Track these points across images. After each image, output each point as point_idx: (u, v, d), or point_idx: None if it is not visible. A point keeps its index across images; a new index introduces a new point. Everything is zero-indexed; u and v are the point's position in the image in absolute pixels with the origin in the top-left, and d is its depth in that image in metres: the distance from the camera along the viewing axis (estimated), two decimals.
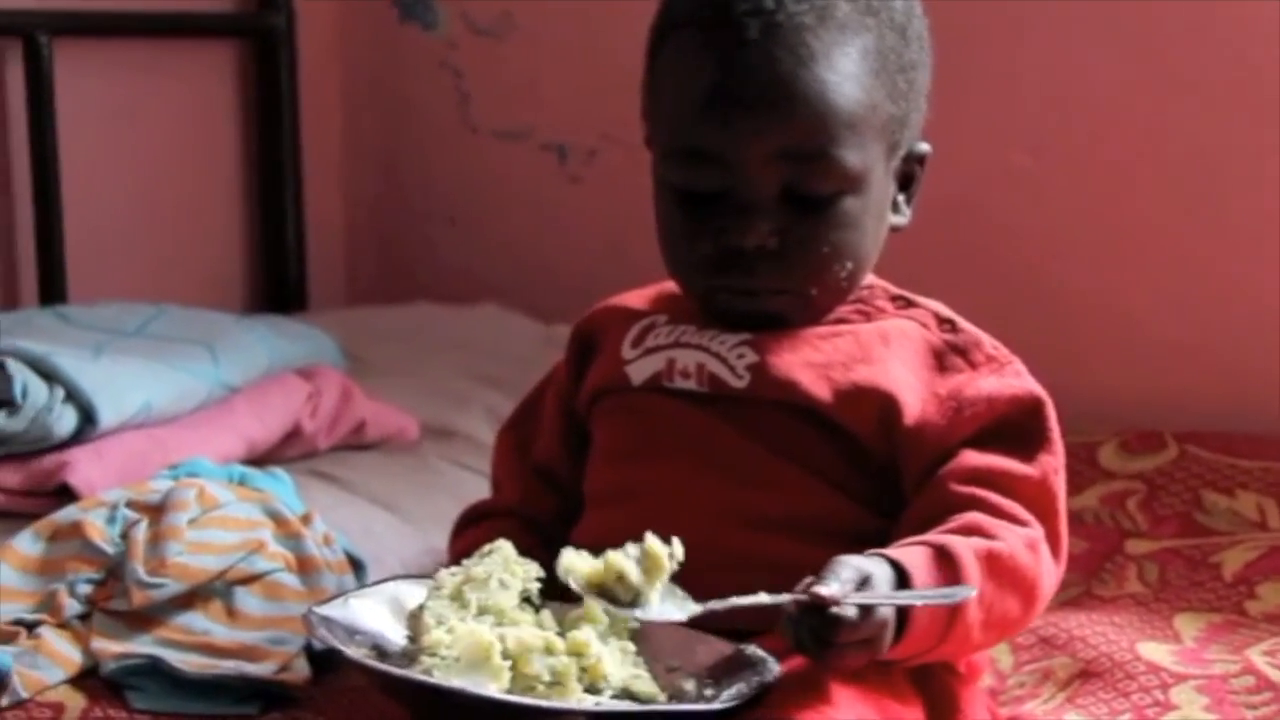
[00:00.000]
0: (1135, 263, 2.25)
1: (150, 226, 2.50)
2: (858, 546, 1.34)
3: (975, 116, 2.18)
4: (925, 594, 1.21)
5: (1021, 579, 1.31)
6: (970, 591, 1.23)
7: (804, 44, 1.34)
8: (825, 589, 1.18)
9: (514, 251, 2.68)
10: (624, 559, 1.27)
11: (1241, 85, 2.16)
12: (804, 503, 1.38)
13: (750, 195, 1.35)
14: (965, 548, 1.27)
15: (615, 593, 1.28)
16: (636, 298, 1.54)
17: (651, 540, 1.28)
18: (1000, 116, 2.27)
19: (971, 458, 1.34)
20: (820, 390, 1.37)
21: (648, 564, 1.28)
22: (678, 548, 1.28)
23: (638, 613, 1.27)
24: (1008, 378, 1.39)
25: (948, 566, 1.26)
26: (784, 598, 1.21)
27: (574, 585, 1.26)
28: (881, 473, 1.38)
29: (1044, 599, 1.34)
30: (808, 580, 1.20)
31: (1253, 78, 2.15)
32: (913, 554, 1.24)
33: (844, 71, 1.34)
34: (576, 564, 1.27)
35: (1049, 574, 1.33)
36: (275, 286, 2.64)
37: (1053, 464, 1.36)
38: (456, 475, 2.01)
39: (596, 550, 1.40)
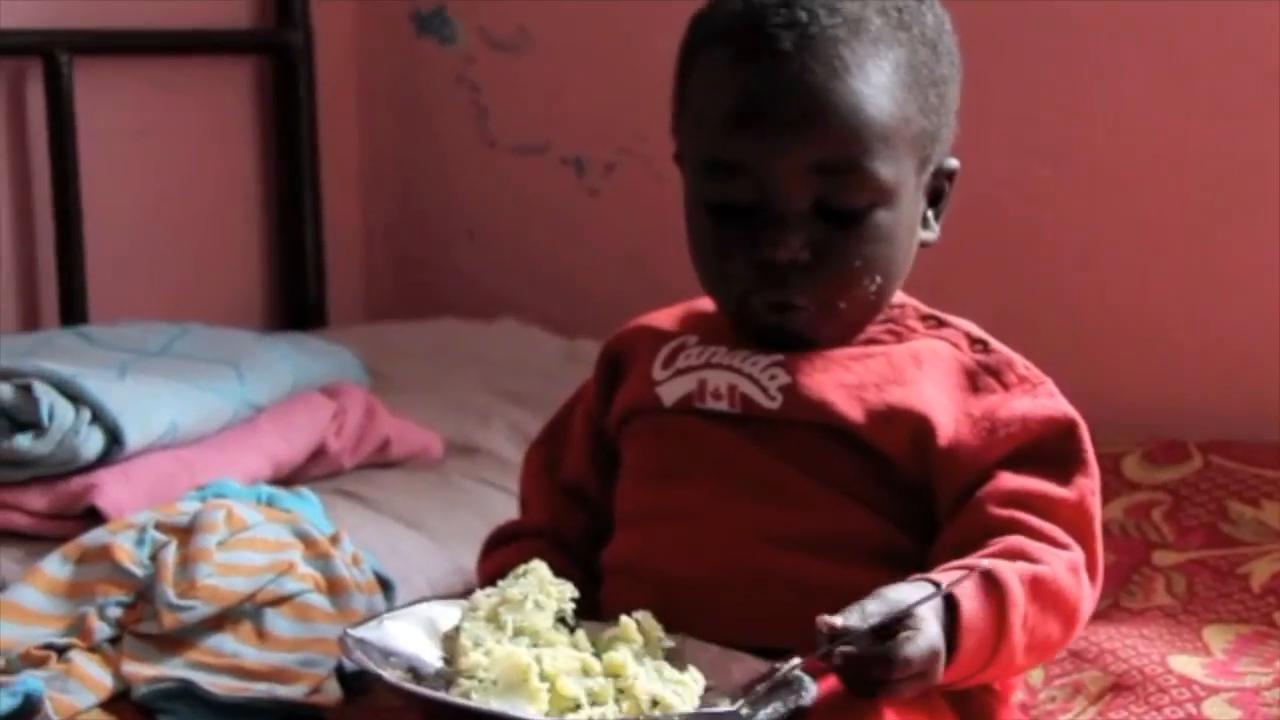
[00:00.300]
0: (1158, 273, 2.24)
1: (170, 244, 2.50)
2: (889, 566, 1.34)
3: (997, 128, 2.18)
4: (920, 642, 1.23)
5: (1064, 602, 1.31)
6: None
7: (838, 56, 1.34)
8: (839, 620, 1.20)
9: (533, 266, 2.67)
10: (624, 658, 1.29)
11: (1267, 94, 2.15)
12: (836, 523, 1.37)
13: (783, 208, 1.35)
14: (1011, 572, 1.27)
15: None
16: (665, 317, 1.54)
17: (626, 621, 1.31)
18: (1022, 128, 2.26)
19: (1009, 480, 1.34)
20: (853, 411, 1.37)
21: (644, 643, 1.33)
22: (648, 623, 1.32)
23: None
24: (1041, 399, 1.39)
25: (995, 592, 1.26)
26: (793, 663, 1.23)
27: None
28: (914, 493, 1.38)
29: (1083, 621, 1.35)
30: (823, 622, 1.21)
31: (1278, 84, 2.15)
32: (962, 585, 1.25)
33: (877, 84, 1.34)
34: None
35: (1088, 597, 1.34)
36: (295, 303, 2.64)
37: (1089, 486, 1.36)
38: (481, 493, 2.01)
39: (627, 571, 1.42)
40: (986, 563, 1.27)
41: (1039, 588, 1.29)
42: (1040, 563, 1.30)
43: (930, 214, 1.45)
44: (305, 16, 2.59)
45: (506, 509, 1.75)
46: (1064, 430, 1.37)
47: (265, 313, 2.62)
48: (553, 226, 2.65)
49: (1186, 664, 1.66)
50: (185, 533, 1.61)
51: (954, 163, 1.45)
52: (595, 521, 1.51)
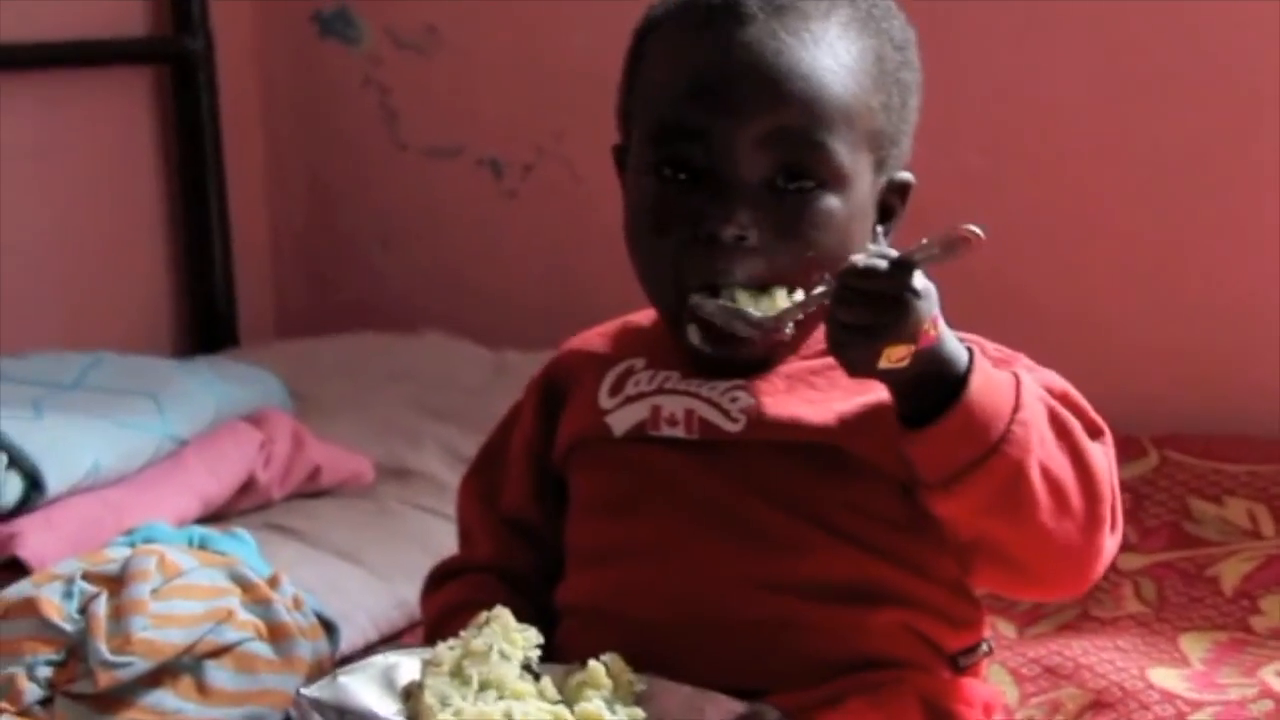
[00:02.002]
0: (1100, 265, 2.24)
1: (71, 266, 2.46)
2: (870, 603, 1.31)
3: (923, 111, 2.13)
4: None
5: (1080, 454, 1.27)
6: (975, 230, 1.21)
7: (807, 30, 1.32)
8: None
9: (452, 274, 2.65)
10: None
11: (1211, 81, 2.16)
12: (808, 559, 1.33)
13: (734, 179, 1.31)
14: (1031, 381, 1.25)
15: None
16: (600, 339, 1.48)
17: (594, 666, 1.28)
18: (950, 112, 2.17)
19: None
20: (826, 419, 1.33)
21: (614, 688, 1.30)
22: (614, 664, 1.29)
23: None
24: (1021, 371, 1.34)
25: (1007, 381, 1.24)
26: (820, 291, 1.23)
27: None
28: (896, 519, 1.33)
29: (1101, 508, 1.28)
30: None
31: (1223, 73, 2.15)
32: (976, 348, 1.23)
33: (844, 64, 1.32)
34: None
35: (1107, 476, 1.29)
36: (204, 322, 2.61)
37: (1105, 440, 1.32)
38: (418, 519, 1.98)
39: (589, 613, 1.37)
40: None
41: (1056, 421, 1.26)
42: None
43: (880, 230, 1.41)
44: (204, 22, 2.56)
45: (446, 536, 1.69)
46: (1058, 396, 1.33)
47: (173, 332, 2.59)
48: (470, 232, 2.64)
49: (1166, 677, 1.63)
50: (116, 582, 1.56)
51: (908, 176, 1.42)
52: (544, 555, 1.47)
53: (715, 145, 1.31)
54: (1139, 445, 2.04)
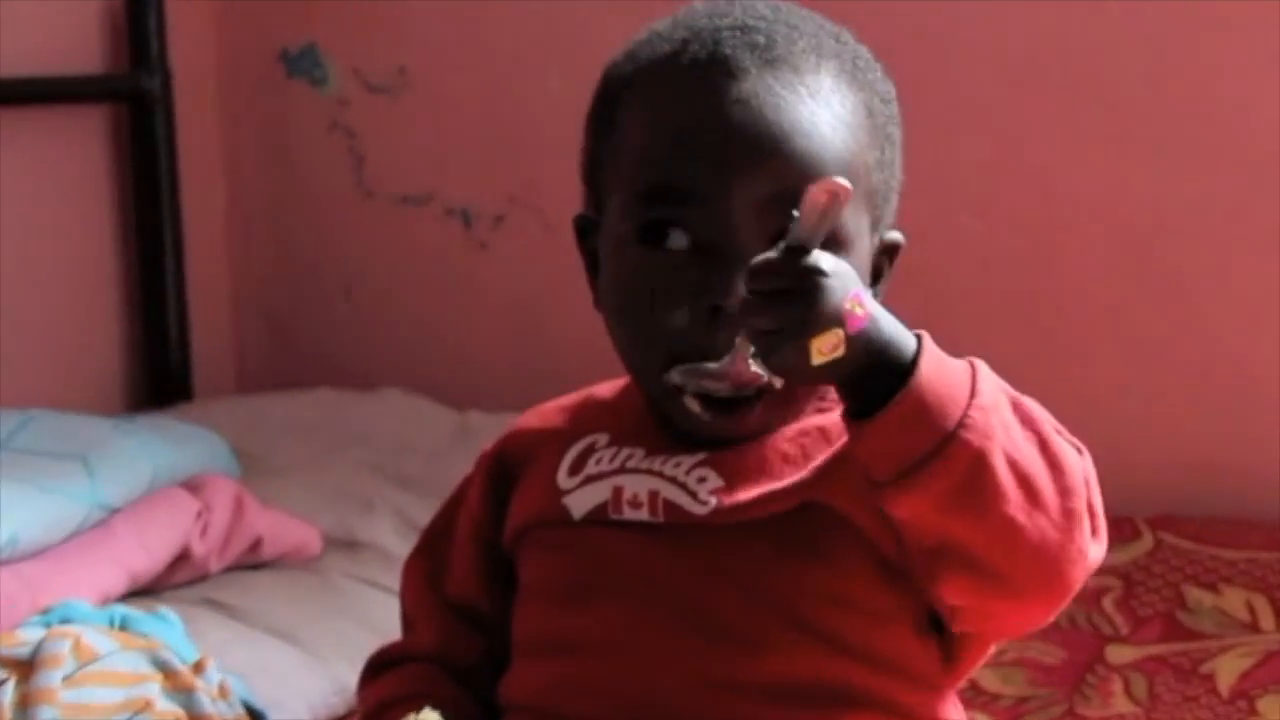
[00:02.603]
0: (1093, 333, 2.22)
1: (14, 315, 2.41)
2: (848, 709, 1.24)
3: (917, 172, 2.08)
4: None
5: (1048, 443, 1.17)
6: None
7: (802, 83, 1.26)
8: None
9: (418, 328, 2.63)
10: None
11: (1210, 143, 2.14)
12: (779, 659, 1.25)
13: (734, 245, 1.23)
14: (990, 371, 1.17)
15: None
16: (559, 414, 1.40)
17: None
18: (944, 172, 2.22)
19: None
20: (798, 477, 1.25)
21: None
22: None
23: None
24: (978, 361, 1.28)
25: (963, 367, 1.16)
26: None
27: None
28: (878, 611, 1.26)
29: (1076, 502, 1.17)
30: None
31: (1223, 135, 2.14)
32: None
33: (842, 119, 1.26)
34: None
35: (1081, 472, 1.19)
36: (157, 375, 2.56)
37: (1085, 456, 1.22)
38: (364, 596, 1.92)
39: (533, 711, 1.30)
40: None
41: (1021, 410, 1.17)
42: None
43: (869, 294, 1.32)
44: (162, 58, 2.53)
45: (394, 614, 1.58)
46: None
47: (124, 387, 2.56)
48: (439, 284, 2.61)
49: None
50: (25, 667, 1.51)
51: (898, 236, 1.35)
52: (491, 644, 1.39)
53: (713, 209, 1.24)
54: (1133, 526, 2.01)
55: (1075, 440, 1.22)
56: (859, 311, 1.11)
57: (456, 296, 2.60)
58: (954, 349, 2.30)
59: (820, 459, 1.26)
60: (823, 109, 1.26)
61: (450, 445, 2.27)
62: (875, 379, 1.13)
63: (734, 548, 1.26)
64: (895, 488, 1.14)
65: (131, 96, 2.53)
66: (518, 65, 2.50)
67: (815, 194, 1.09)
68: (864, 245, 1.28)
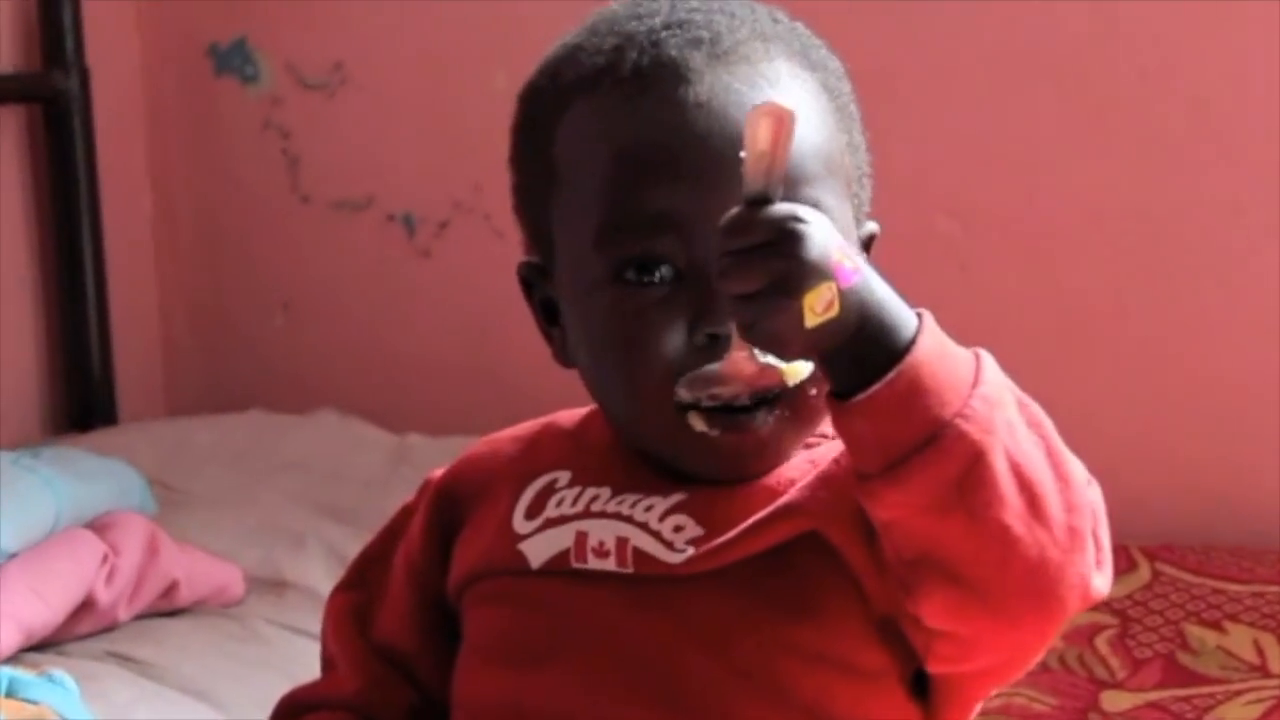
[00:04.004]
0: (1081, 348, 2.18)
1: None
2: None
3: (892, 174, 2.04)
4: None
5: (1055, 451, 1.09)
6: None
7: (759, 74, 1.18)
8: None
9: (358, 342, 2.59)
10: None
11: (1209, 140, 2.10)
12: None
13: None
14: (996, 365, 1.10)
15: None
16: (515, 445, 1.30)
17: None
18: (921, 174, 2.18)
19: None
20: (782, 502, 1.16)
21: None
22: None
23: None
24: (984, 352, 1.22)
25: (966, 355, 1.08)
26: None
27: None
28: (868, 662, 1.17)
29: (1080, 520, 1.10)
30: None
31: (1214, 130, 2.10)
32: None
33: (805, 103, 1.18)
34: None
35: (1086, 490, 1.12)
36: (78, 398, 2.51)
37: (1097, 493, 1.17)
38: (290, 646, 1.86)
39: None
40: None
41: (1027, 412, 1.09)
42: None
43: None
44: (79, 55, 2.48)
45: (319, 666, 1.48)
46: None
47: (42, 411, 2.51)
48: (380, 295, 2.57)
49: None
50: None
51: (873, 226, 1.28)
52: (420, 700, 1.30)
53: (692, 232, 1.16)
54: (1128, 556, 1.96)
55: (1084, 469, 1.15)
56: (848, 264, 1.03)
57: (398, 308, 2.55)
58: None
59: (806, 479, 1.18)
60: (786, 98, 1.17)
61: (387, 472, 2.23)
62: (869, 349, 1.06)
63: (708, 601, 1.18)
64: (883, 480, 1.07)
65: (46, 97, 2.48)
66: (462, 61, 2.45)
67: (754, 123, 1.01)
68: (852, 240, 1.19)
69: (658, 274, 1.17)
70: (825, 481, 1.17)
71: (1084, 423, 2.14)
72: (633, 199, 1.17)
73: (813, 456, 1.23)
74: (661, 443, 1.20)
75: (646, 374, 1.18)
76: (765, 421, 1.17)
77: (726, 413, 1.17)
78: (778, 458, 1.21)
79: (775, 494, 1.20)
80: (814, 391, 1.17)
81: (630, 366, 1.18)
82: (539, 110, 1.22)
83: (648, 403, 1.19)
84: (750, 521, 1.18)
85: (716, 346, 1.15)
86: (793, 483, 1.20)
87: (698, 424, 1.17)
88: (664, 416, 1.18)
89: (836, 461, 1.17)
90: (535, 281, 1.24)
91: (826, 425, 1.24)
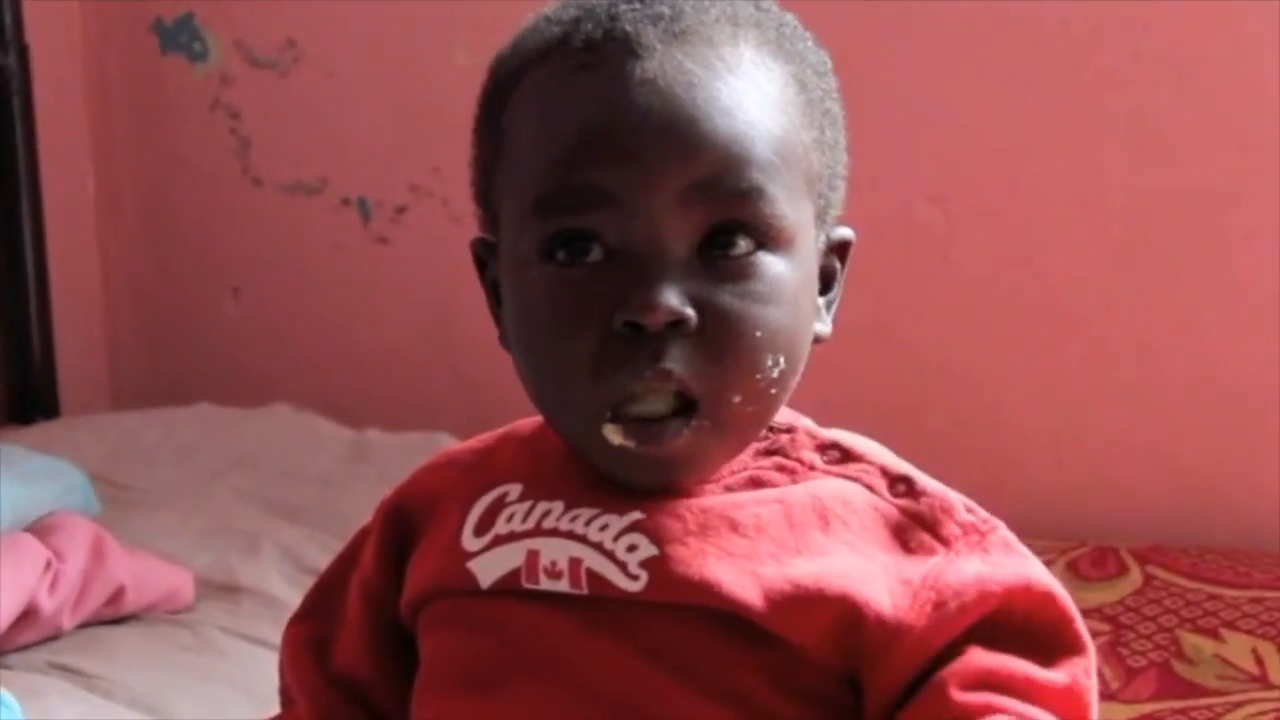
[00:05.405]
0: (1068, 341, 2.16)
1: None
2: None
3: (869, 157, 2.01)
4: None
5: None
6: None
7: (718, 56, 1.14)
8: None
9: (312, 332, 2.56)
10: None
11: (1202, 124, 2.07)
12: None
13: (655, 250, 1.12)
14: None
15: None
16: (472, 456, 1.26)
17: None
18: (899, 157, 2.15)
19: (979, 658, 1.13)
20: (748, 593, 1.13)
21: None
22: None
23: None
24: (995, 555, 1.16)
25: None
26: None
27: None
28: (831, 701, 1.14)
29: None
30: None
31: (1208, 115, 2.07)
32: None
33: (768, 94, 1.15)
34: None
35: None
36: (17, 389, 2.47)
37: (1082, 666, 1.14)
38: (244, 655, 1.80)
39: None
40: None
41: None
42: None
43: (822, 301, 1.23)
44: (17, 32, 2.44)
45: (274, 675, 1.40)
46: (1037, 599, 1.16)
47: None
48: (335, 283, 2.54)
49: None
50: None
51: (847, 232, 1.23)
52: None
53: (625, 210, 1.12)
54: (1117, 559, 1.92)
55: (1083, 635, 1.14)
56: None
57: (355, 296, 2.53)
58: (912, 354, 2.29)
59: (773, 571, 1.14)
60: (745, 84, 1.15)
61: (344, 469, 2.18)
62: None
63: (670, 625, 1.13)
64: None
65: None
66: (420, 37, 2.42)
67: None
68: (808, 241, 1.17)
69: (589, 254, 1.13)
70: (799, 599, 1.12)
71: (1071, 417, 2.14)
72: (568, 172, 1.13)
73: (780, 461, 1.20)
74: (581, 445, 1.17)
75: (563, 367, 1.14)
76: (680, 432, 1.14)
77: (642, 423, 1.13)
78: (702, 468, 1.18)
79: (737, 525, 1.16)
80: (738, 399, 1.14)
81: (548, 356, 1.15)
82: (498, 81, 1.19)
83: (561, 399, 1.16)
84: (706, 582, 1.13)
85: (638, 336, 1.11)
86: (757, 516, 1.17)
87: (614, 437, 1.13)
88: (582, 421, 1.15)
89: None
90: (487, 260, 1.21)
91: (780, 416, 1.21)
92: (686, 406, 1.13)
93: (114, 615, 1.84)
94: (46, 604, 1.77)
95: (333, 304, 2.54)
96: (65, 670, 1.73)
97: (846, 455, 1.20)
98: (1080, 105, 2.12)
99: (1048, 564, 1.76)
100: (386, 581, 1.23)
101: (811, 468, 1.19)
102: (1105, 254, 2.13)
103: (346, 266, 2.52)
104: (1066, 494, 2.17)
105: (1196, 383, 2.11)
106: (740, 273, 1.14)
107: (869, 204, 2.05)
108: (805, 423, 1.21)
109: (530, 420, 1.22)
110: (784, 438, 1.19)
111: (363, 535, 1.27)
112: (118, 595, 1.84)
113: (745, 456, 1.20)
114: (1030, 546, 1.61)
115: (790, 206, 1.15)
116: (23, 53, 2.43)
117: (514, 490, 1.18)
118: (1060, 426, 2.16)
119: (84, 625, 1.82)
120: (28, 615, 1.77)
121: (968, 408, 2.18)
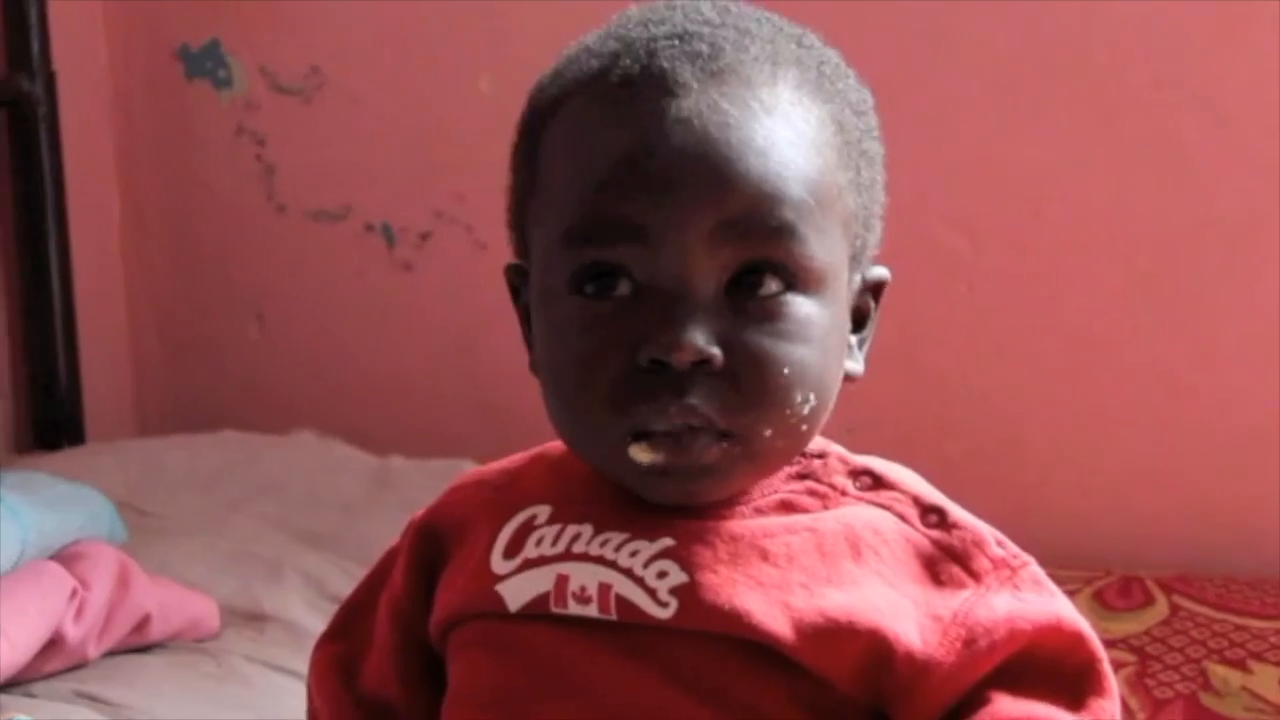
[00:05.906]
0: (1091, 368, 2.14)
1: None
2: None
3: (896, 186, 2.02)
4: None
5: None
6: None
7: (754, 97, 1.15)
8: None
9: (336, 358, 2.54)
10: None
11: (1221, 151, 2.06)
12: None
13: (683, 288, 1.13)
14: None
15: None
16: (502, 477, 1.27)
17: None
18: (926, 185, 2.16)
19: (1005, 706, 1.13)
20: (778, 625, 1.13)
21: None
22: None
23: None
24: (1026, 593, 1.17)
25: None
26: None
27: None
28: None
29: None
30: None
31: (1234, 143, 2.06)
32: None
33: (804, 134, 1.15)
34: None
35: None
36: (44, 416, 2.47)
37: (1110, 711, 1.14)
38: (268, 684, 1.79)
39: None
40: None
41: None
42: None
43: (854, 340, 1.24)
44: (45, 59, 2.43)
45: (303, 706, 1.43)
46: (1068, 639, 1.16)
47: (5, 428, 2.45)
48: (359, 309, 2.53)
49: None
50: None
51: (883, 272, 1.24)
52: None
53: (655, 245, 1.13)
54: (1144, 589, 1.93)
55: (1108, 677, 1.14)
56: None
57: (379, 323, 2.52)
58: (936, 381, 2.29)
59: (804, 602, 1.14)
60: (780, 125, 1.15)
61: (368, 496, 2.17)
62: None
63: (699, 652, 1.14)
64: None
65: (11, 101, 2.44)
66: (445, 65, 2.42)
67: None
68: (840, 282, 1.17)
69: (617, 289, 1.14)
70: (830, 632, 1.13)
71: (1095, 446, 2.14)
72: (599, 206, 1.14)
73: (812, 486, 1.20)
74: (609, 468, 1.18)
75: (588, 400, 1.15)
76: (710, 445, 1.14)
77: (672, 436, 1.13)
78: (731, 486, 1.18)
79: (767, 555, 1.17)
80: (768, 433, 1.14)
81: (575, 389, 1.15)
82: (536, 110, 1.20)
83: (583, 429, 1.16)
84: (736, 611, 1.14)
85: (663, 373, 1.12)
86: (788, 545, 1.17)
87: (642, 456, 1.14)
88: (609, 455, 1.16)
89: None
90: (520, 286, 1.21)
91: (813, 444, 1.20)
92: (719, 435, 1.13)
93: (139, 643, 1.84)
94: (72, 632, 1.76)
95: (356, 330, 2.53)
96: (91, 699, 1.72)
97: (879, 482, 1.20)
98: (1103, 134, 2.11)
99: (1073, 594, 1.81)
100: (416, 601, 1.24)
101: (843, 493, 1.19)
102: (1129, 282, 2.12)
103: (370, 293, 2.51)
104: (1090, 522, 2.16)
105: (1221, 411, 2.09)
106: (768, 313, 1.14)
107: (892, 230, 2.10)
108: (837, 449, 1.22)
109: (559, 443, 1.22)
110: (816, 462, 1.20)
111: (392, 555, 1.28)
112: (143, 624, 1.83)
113: (776, 480, 1.20)
114: (1054, 576, 1.62)
115: (822, 247, 1.15)
116: (49, 80, 2.43)
117: (543, 513, 1.19)
118: (1084, 454, 2.15)
119: (109, 654, 1.82)
120: (53, 644, 1.76)
121: (991, 435, 2.18)
